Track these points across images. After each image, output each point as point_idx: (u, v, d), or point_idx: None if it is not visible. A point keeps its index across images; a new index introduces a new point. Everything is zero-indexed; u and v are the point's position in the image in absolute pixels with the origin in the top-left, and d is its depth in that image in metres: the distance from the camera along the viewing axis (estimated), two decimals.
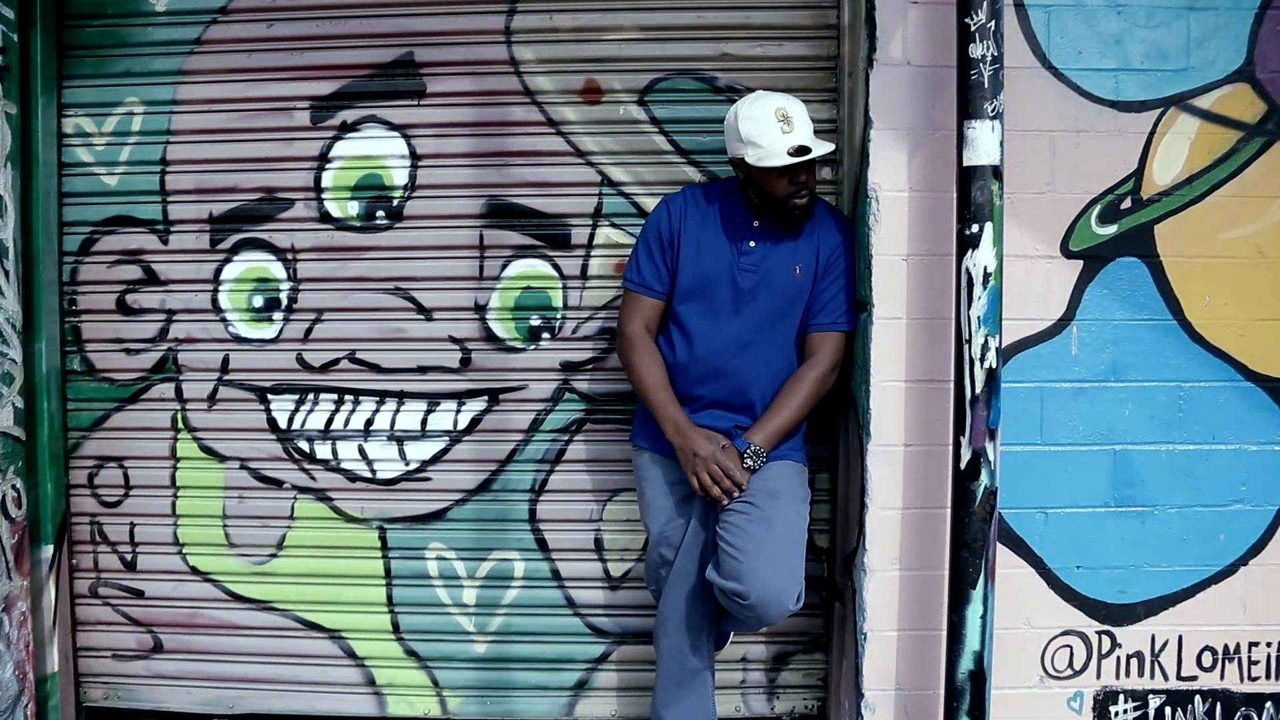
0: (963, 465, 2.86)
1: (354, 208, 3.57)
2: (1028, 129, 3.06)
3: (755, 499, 2.98)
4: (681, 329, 3.12)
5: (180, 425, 3.65)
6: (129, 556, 3.70)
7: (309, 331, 3.61)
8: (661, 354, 3.15)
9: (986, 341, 2.82)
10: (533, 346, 3.58)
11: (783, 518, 2.98)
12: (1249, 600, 3.20)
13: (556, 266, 3.55)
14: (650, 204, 3.42)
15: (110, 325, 3.65)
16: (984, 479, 2.84)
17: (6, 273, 3.35)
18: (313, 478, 3.65)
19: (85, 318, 3.66)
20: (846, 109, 3.33)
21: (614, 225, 3.53)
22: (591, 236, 3.53)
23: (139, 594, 3.71)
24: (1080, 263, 3.12)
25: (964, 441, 2.85)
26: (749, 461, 2.99)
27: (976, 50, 2.80)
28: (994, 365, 2.83)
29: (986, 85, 2.80)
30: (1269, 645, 3.22)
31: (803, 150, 2.91)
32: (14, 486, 3.40)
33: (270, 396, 3.63)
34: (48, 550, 3.54)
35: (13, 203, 3.37)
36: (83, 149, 3.60)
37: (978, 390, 2.83)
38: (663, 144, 3.50)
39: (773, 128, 2.92)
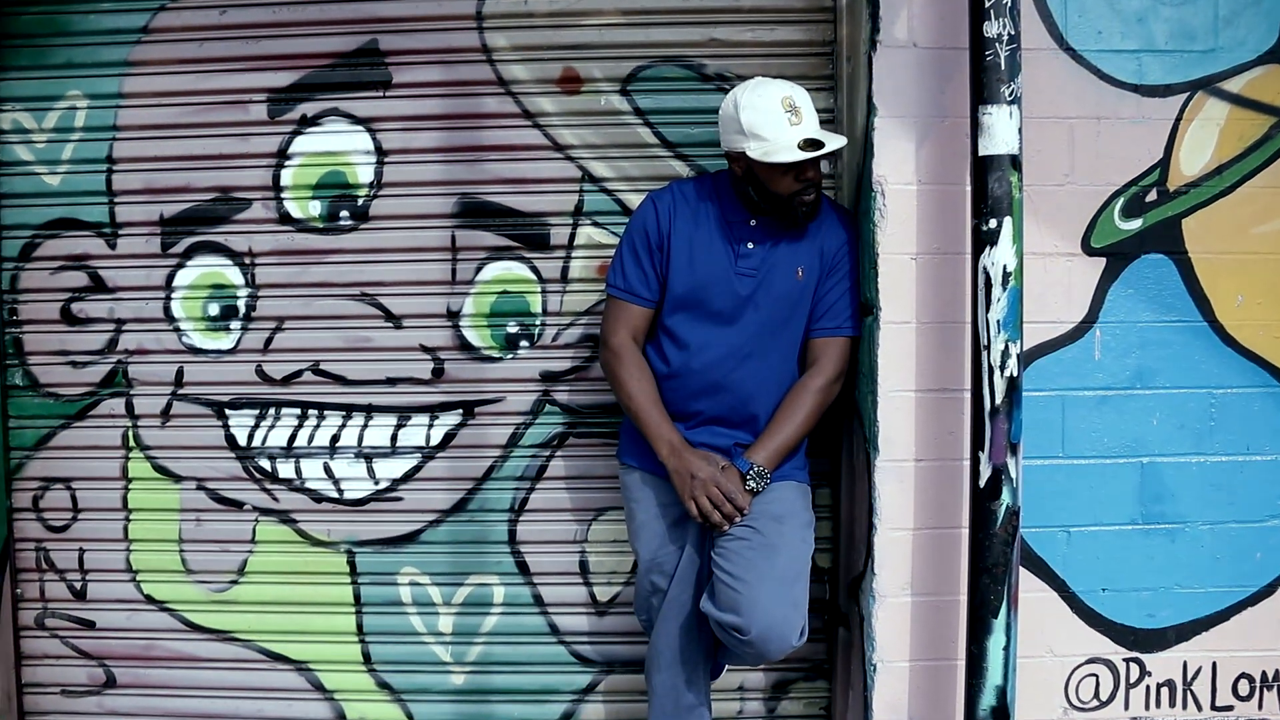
0: (982, 483, 2.70)
1: (316, 208, 3.44)
2: (1044, 116, 2.93)
3: (757, 523, 2.82)
4: (673, 339, 2.95)
5: (132, 443, 3.52)
6: (78, 585, 3.56)
7: (269, 341, 3.48)
8: (650, 365, 2.98)
9: (1007, 347, 2.66)
10: (510, 355, 3.45)
11: (787, 544, 2.82)
12: None
13: (534, 269, 3.43)
14: (634, 201, 3.29)
15: (54, 336, 3.51)
16: (1006, 498, 2.68)
17: None
18: (275, 498, 3.51)
19: (27, 328, 3.52)
20: (846, 96, 3.21)
21: (596, 224, 3.40)
22: (572, 236, 3.41)
23: (89, 625, 3.57)
24: (1103, 260, 3.00)
25: (983, 457, 2.69)
26: (751, 483, 2.82)
27: (992, 29, 2.65)
28: (1015, 373, 2.67)
29: (1003, 67, 2.65)
30: None
31: (814, 144, 2.72)
32: None
33: (228, 411, 3.50)
34: None
35: None
36: (21, 146, 3.46)
37: (998, 401, 2.67)
38: (647, 136, 3.37)
39: (779, 119, 2.73)
